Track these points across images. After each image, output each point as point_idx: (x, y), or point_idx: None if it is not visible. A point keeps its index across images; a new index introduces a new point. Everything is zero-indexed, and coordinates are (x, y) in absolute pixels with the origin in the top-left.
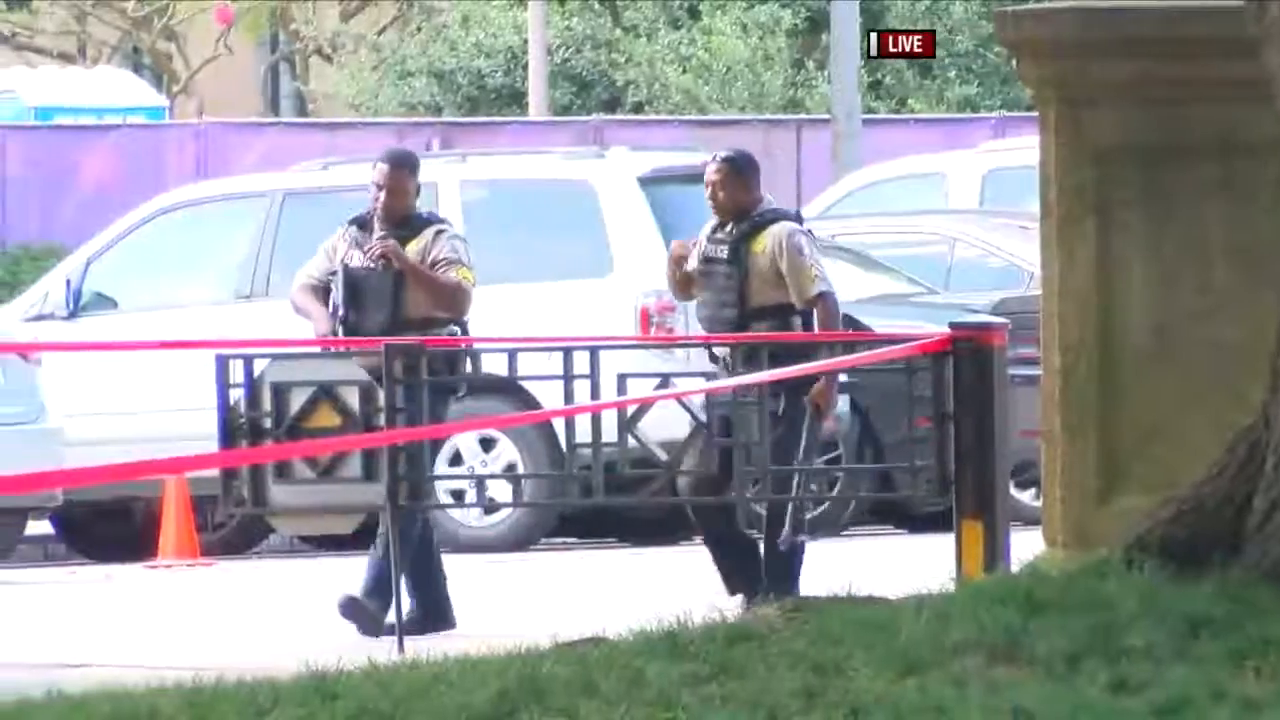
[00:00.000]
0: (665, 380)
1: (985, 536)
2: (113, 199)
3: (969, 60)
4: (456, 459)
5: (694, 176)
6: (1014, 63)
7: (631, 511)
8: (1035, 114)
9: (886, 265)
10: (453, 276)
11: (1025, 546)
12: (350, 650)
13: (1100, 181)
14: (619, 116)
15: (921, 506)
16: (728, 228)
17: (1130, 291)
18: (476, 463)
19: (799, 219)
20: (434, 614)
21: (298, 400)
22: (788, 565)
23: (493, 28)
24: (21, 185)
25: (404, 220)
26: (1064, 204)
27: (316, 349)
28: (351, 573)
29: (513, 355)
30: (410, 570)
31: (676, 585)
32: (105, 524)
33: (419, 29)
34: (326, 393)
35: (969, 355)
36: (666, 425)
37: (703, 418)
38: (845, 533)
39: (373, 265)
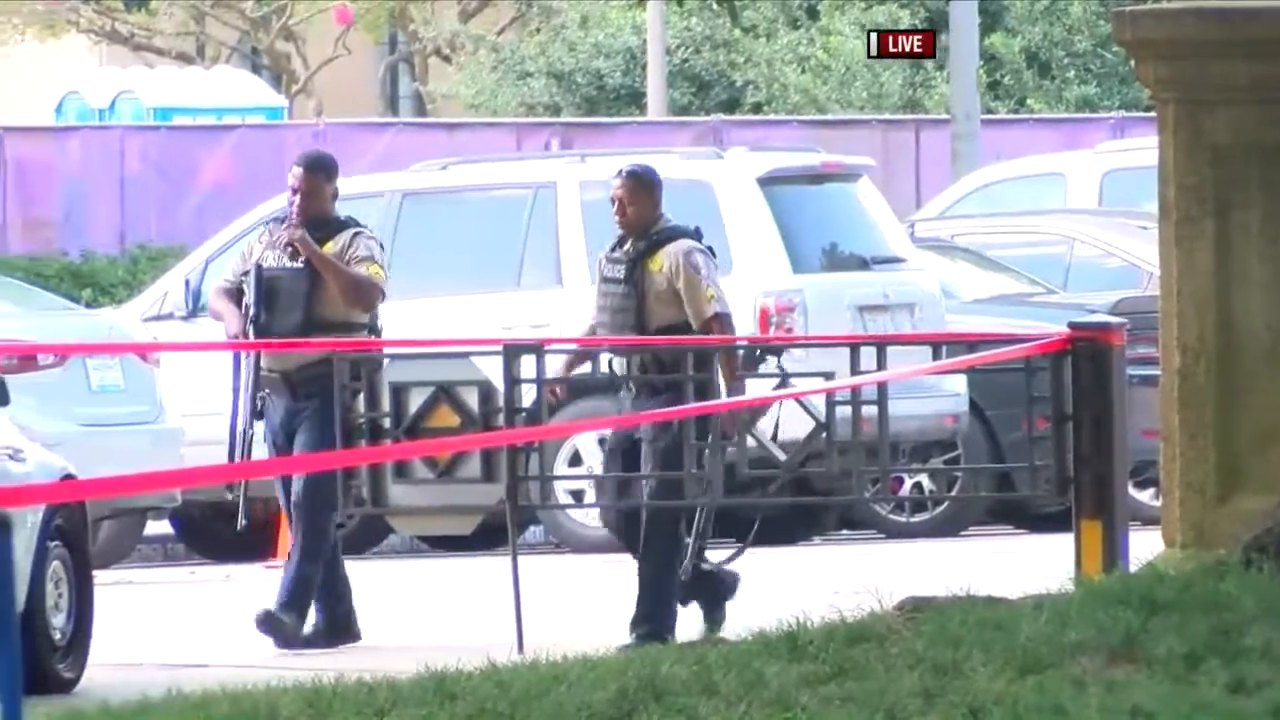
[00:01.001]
0: (784, 380)
1: (1104, 537)
2: (231, 199)
3: (1087, 60)
4: (576, 459)
5: (812, 177)
6: (1132, 63)
7: (751, 512)
8: (1153, 114)
9: (1005, 265)
10: (364, 271)
11: (1144, 547)
12: (469, 650)
13: (1219, 181)
14: (738, 117)
15: (1040, 506)
16: (625, 246)
17: (1249, 291)
18: (596, 463)
19: (698, 236)
20: (339, 627)
21: (417, 400)
22: (715, 588)
23: (612, 28)
24: (140, 185)
25: (321, 223)
26: (1182, 204)
27: (436, 349)
28: (470, 573)
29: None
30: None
31: (796, 585)
32: (224, 524)
33: (538, 29)
34: (445, 392)
35: (1088, 355)
36: (786, 425)
37: (822, 417)
38: (964, 533)
39: (286, 265)
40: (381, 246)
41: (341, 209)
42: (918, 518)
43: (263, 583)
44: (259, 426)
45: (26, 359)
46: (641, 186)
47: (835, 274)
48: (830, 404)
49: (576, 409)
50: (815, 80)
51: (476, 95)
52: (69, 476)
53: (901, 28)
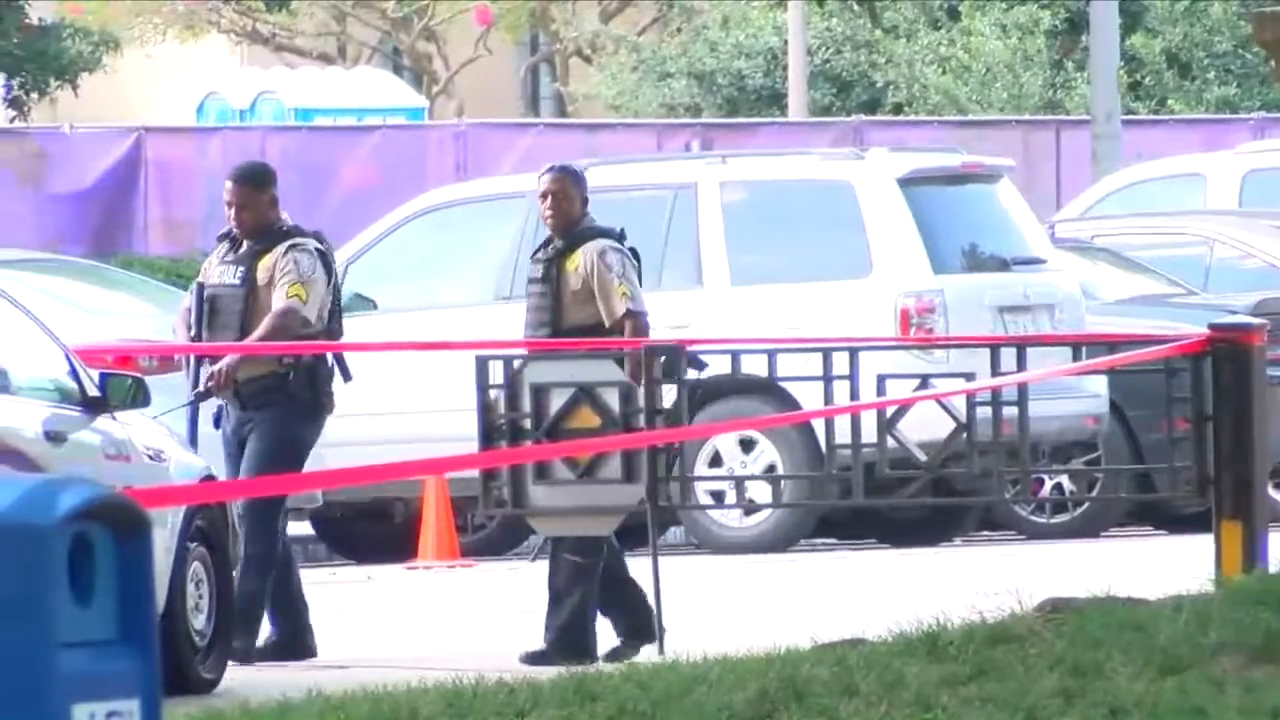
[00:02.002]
0: (925, 381)
1: (1244, 537)
2: (372, 200)
3: (1228, 61)
4: (716, 460)
5: (953, 178)
6: (1271, 63)
7: (891, 512)
8: None
9: (1145, 266)
10: (278, 304)
11: None
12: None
13: None
14: (878, 117)
15: (1180, 507)
16: (549, 246)
17: None
18: (736, 464)
19: (619, 237)
20: (294, 642)
21: (557, 401)
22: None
23: (753, 29)
24: (281, 186)
25: (261, 233)
26: None
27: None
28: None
29: (773, 356)
30: (271, 597)
31: (936, 586)
32: (365, 525)
33: (679, 30)
34: (586, 393)
35: (1228, 356)
36: (926, 426)
37: (963, 418)
38: (1104, 534)
39: (226, 283)
40: (324, 257)
41: (484, 210)
42: (1058, 519)
43: (404, 584)
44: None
45: (166, 359)
46: (571, 184)
47: (976, 275)
48: (971, 405)
49: (717, 409)
50: (956, 81)
51: (617, 96)
52: (209, 477)
53: (1042, 28)
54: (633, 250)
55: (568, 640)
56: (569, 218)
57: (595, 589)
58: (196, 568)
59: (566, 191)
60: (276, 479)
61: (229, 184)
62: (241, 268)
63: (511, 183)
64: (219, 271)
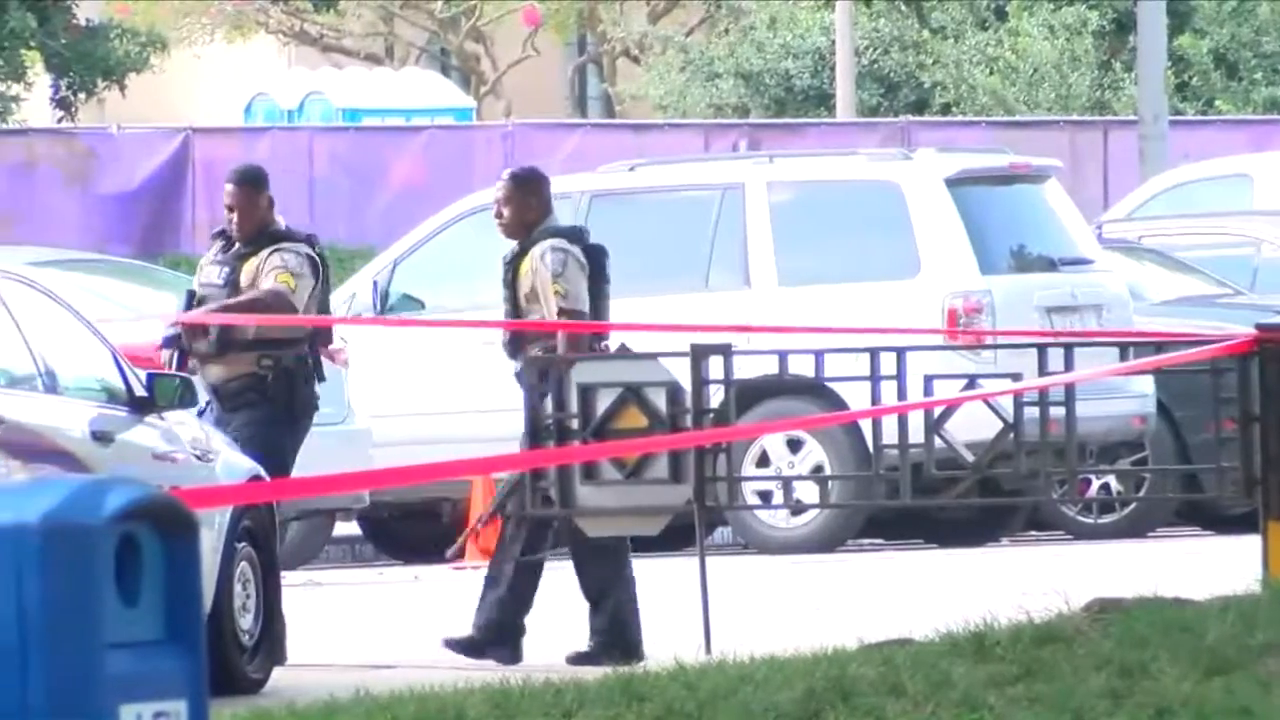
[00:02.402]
0: (972, 381)
1: None
2: (420, 200)
3: (1275, 61)
4: (764, 460)
5: (1000, 178)
6: None
7: (938, 512)
8: None
9: (1192, 266)
10: (265, 285)
11: None
12: (657, 651)
13: None
14: (926, 118)
15: (1227, 508)
16: (514, 248)
17: None
18: (784, 464)
19: (572, 235)
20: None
21: (604, 401)
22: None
23: (800, 29)
24: (329, 186)
25: (258, 235)
26: None
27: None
28: (658, 574)
29: (820, 356)
30: None
31: (984, 586)
32: (412, 525)
33: (726, 30)
34: (633, 394)
35: (1275, 356)
36: (973, 426)
37: (1010, 418)
38: (1151, 534)
39: (210, 284)
40: (314, 261)
41: None
42: (1105, 519)
43: (451, 584)
44: None
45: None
46: (518, 189)
47: (1023, 275)
48: (1018, 405)
49: (765, 409)
50: (1003, 81)
51: (665, 96)
52: (257, 477)
53: (1090, 29)
54: (594, 248)
55: (610, 641)
56: (519, 222)
57: (627, 587)
58: (244, 568)
59: (514, 198)
60: (326, 479)
61: (229, 186)
62: (227, 268)
63: (559, 183)
64: (208, 272)
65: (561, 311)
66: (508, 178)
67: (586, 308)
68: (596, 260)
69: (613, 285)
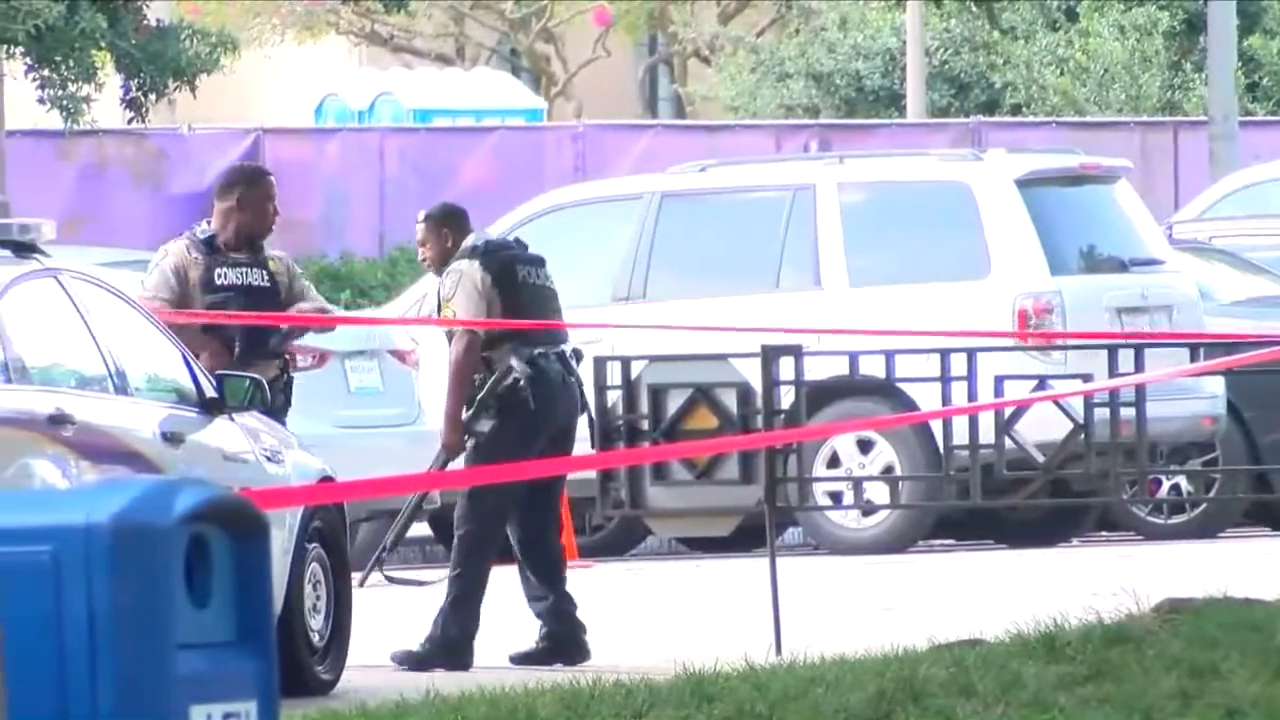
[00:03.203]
0: (1042, 382)
1: None
2: (491, 201)
3: None
4: (834, 461)
5: (1071, 179)
6: None
7: (1009, 513)
8: None
9: (1262, 267)
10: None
11: None
12: (727, 652)
13: None
14: (997, 118)
15: None
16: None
17: None
18: (854, 465)
19: (474, 253)
20: None
21: (675, 402)
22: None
23: (871, 30)
24: (400, 187)
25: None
26: None
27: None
28: (728, 575)
29: (890, 357)
30: None
31: (1054, 587)
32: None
33: (797, 31)
34: (704, 394)
35: None
36: (1044, 427)
37: (1080, 419)
38: (1221, 535)
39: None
40: (161, 254)
41: (602, 211)
42: (1175, 519)
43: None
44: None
45: (323, 358)
46: (430, 226)
47: (1093, 276)
48: (1088, 406)
49: (835, 410)
50: (1074, 82)
51: (735, 97)
52: (327, 478)
53: (1160, 29)
54: (509, 258)
55: (446, 643)
56: (440, 258)
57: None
58: (314, 569)
59: (430, 236)
60: (397, 480)
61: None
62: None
63: (630, 184)
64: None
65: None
66: (422, 218)
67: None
68: (508, 271)
69: (682, 286)
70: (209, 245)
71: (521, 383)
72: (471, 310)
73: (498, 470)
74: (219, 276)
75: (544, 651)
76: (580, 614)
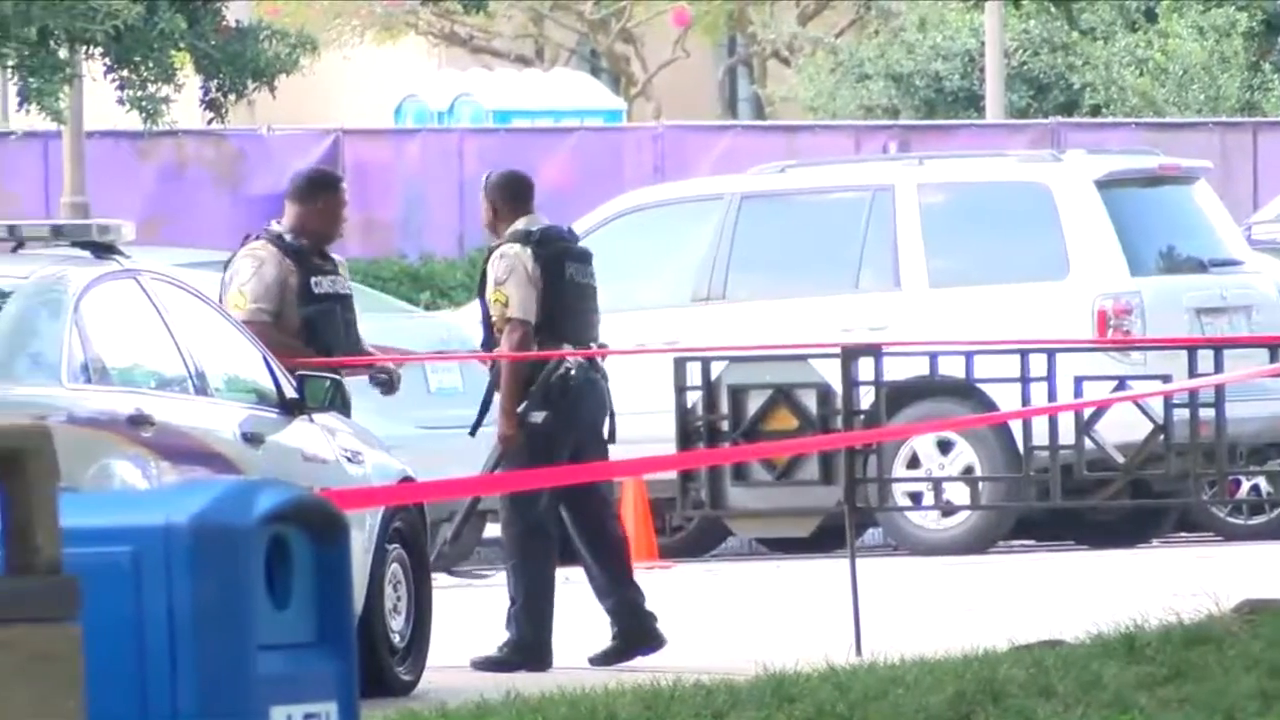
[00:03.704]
0: (1122, 382)
1: None
2: (570, 202)
3: None
4: (914, 461)
5: (1150, 179)
6: None
7: (1088, 514)
8: None
9: None
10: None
11: None
12: (808, 653)
13: None
14: (1076, 119)
15: None
16: (487, 249)
17: None
18: (934, 465)
19: (528, 239)
20: None
21: (755, 402)
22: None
23: (950, 31)
24: (479, 188)
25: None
26: None
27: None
28: (808, 575)
29: (970, 358)
30: None
31: (1134, 588)
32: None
33: (876, 32)
34: (784, 395)
35: None
36: (1123, 427)
37: (1160, 420)
38: None
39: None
40: (254, 261)
41: (682, 212)
42: (1255, 520)
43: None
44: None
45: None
46: (484, 191)
47: (1172, 276)
48: (1168, 406)
49: (915, 411)
50: (1153, 83)
51: (815, 98)
52: (407, 479)
53: (1239, 30)
54: (560, 251)
55: (522, 645)
56: (489, 224)
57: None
58: (395, 569)
59: (483, 200)
60: (476, 480)
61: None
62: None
63: (709, 185)
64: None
65: (506, 320)
66: (483, 180)
67: (529, 315)
68: (557, 265)
69: (762, 287)
70: (296, 251)
71: (573, 372)
72: (522, 296)
73: (575, 471)
74: (315, 285)
75: (618, 650)
76: (649, 604)
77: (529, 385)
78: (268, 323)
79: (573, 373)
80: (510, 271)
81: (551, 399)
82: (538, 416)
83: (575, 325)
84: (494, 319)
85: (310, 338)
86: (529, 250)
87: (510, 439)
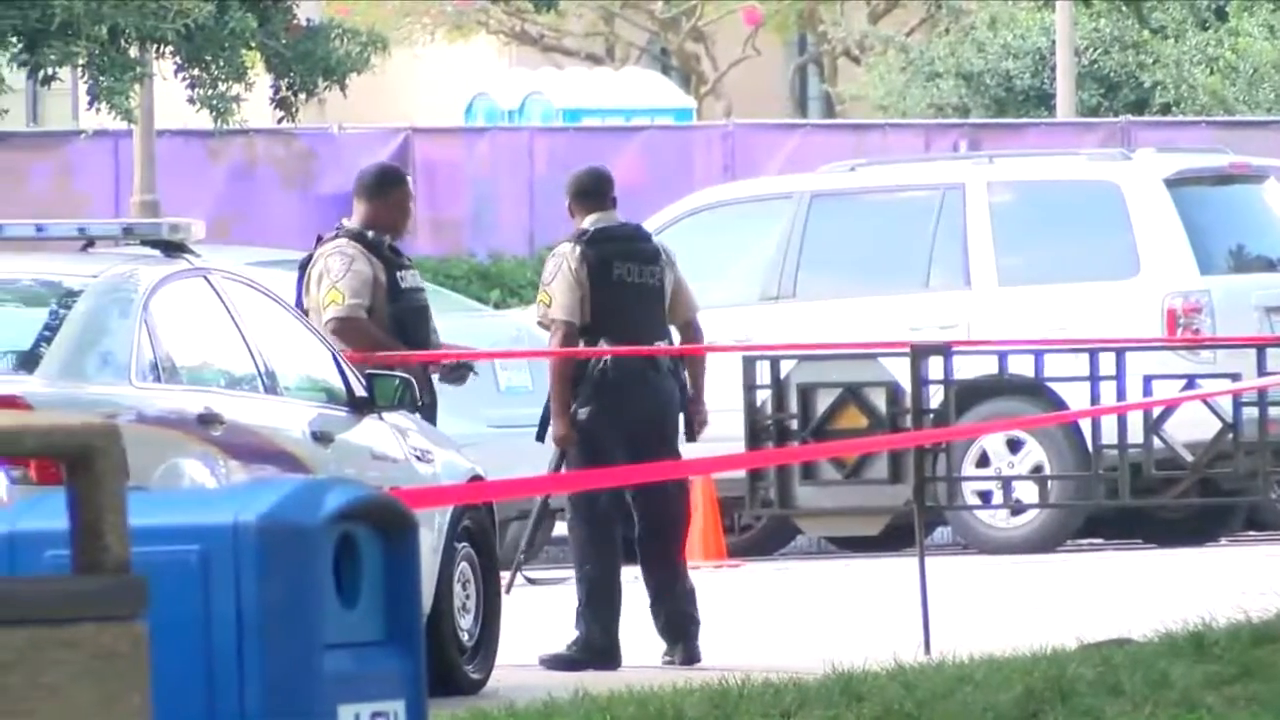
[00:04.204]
0: (1191, 381)
1: None
2: (640, 200)
3: None
4: (983, 460)
5: (1220, 178)
6: None
7: (1158, 512)
8: None
9: None
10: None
11: None
12: (876, 651)
13: None
14: (1146, 118)
15: None
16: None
17: None
18: (1003, 464)
19: (579, 238)
20: None
21: (824, 401)
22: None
23: (1020, 29)
24: (550, 186)
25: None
26: None
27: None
28: (877, 574)
29: (1039, 356)
30: None
31: (1202, 586)
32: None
33: (947, 30)
34: (853, 394)
35: None
36: (1193, 426)
37: (1229, 418)
38: None
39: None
40: (343, 256)
41: (752, 211)
42: None
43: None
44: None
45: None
46: (566, 192)
47: (1242, 275)
48: (1237, 405)
49: (984, 409)
50: (1224, 81)
51: (885, 96)
52: (477, 478)
53: None
54: (609, 252)
55: (591, 644)
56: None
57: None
58: (464, 568)
59: (567, 194)
60: (544, 479)
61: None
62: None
63: (780, 183)
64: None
65: (549, 320)
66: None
67: (571, 316)
68: (604, 265)
69: (832, 285)
70: (379, 246)
71: (611, 369)
72: (565, 297)
73: (640, 470)
74: (400, 280)
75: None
76: (698, 613)
77: (577, 386)
78: (365, 319)
79: (610, 369)
80: (555, 272)
81: (593, 395)
82: (582, 413)
83: (617, 324)
84: (539, 319)
85: (399, 333)
86: (577, 250)
87: (565, 439)
